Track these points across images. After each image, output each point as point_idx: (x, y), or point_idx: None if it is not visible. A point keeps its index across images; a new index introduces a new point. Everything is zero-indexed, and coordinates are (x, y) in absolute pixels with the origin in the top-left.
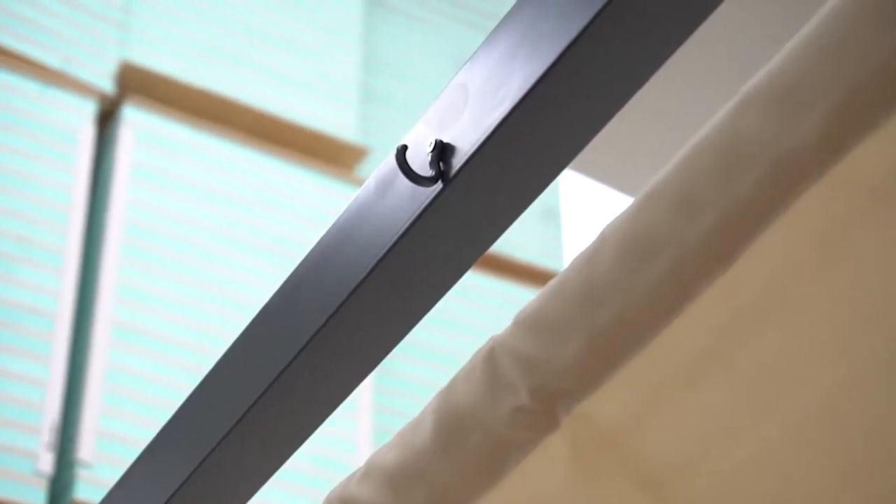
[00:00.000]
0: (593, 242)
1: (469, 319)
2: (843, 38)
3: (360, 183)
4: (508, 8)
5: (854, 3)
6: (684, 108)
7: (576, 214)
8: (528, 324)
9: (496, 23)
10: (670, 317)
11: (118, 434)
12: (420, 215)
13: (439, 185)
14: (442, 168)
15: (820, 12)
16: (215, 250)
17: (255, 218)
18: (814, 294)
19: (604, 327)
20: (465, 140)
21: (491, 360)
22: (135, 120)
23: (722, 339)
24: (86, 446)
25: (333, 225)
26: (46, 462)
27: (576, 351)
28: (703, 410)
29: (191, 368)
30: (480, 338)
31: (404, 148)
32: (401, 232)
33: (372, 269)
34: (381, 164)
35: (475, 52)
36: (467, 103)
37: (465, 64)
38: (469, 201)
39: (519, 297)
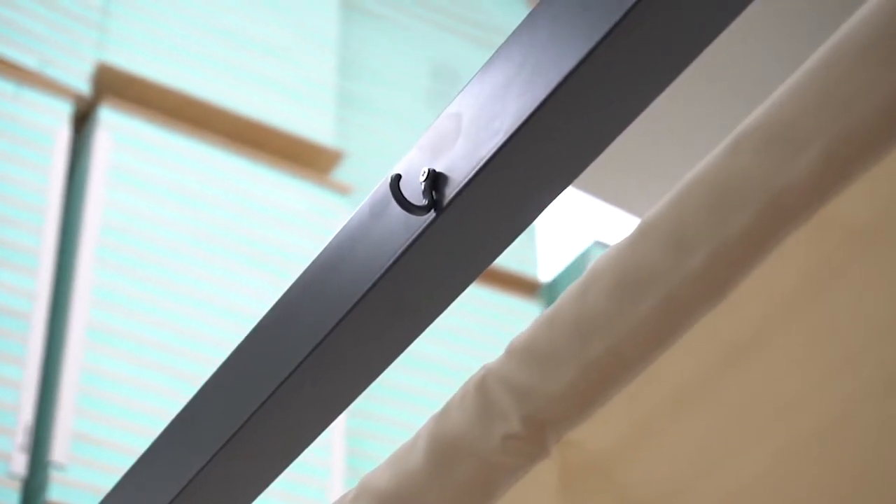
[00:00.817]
0: (586, 276)
1: (443, 323)
2: (837, 81)
3: (336, 187)
4: (484, 12)
5: (847, 46)
6: (664, 121)
7: (549, 218)
8: (521, 353)
9: (471, 27)
10: (661, 349)
11: (92, 436)
12: (412, 243)
13: (432, 214)
14: (435, 197)
15: (814, 55)
16: (191, 253)
17: (230, 221)
18: (801, 328)
19: (596, 358)
20: (459, 170)
21: (483, 388)
22: (111, 122)
23: (712, 371)
24: (60, 448)
25: (326, 248)
26: (20, 463)
27: (568, 380)
28: (693, 440)
29: (166, 371)
30: (455, 341)
31: (398, 177)
32: (393, 259)
33: (364, 295)
34: (374, 191)
35: (470, 80)
36: (460, 133)
37: (459, 92)
38: (461, 230)
39: (493, 302)
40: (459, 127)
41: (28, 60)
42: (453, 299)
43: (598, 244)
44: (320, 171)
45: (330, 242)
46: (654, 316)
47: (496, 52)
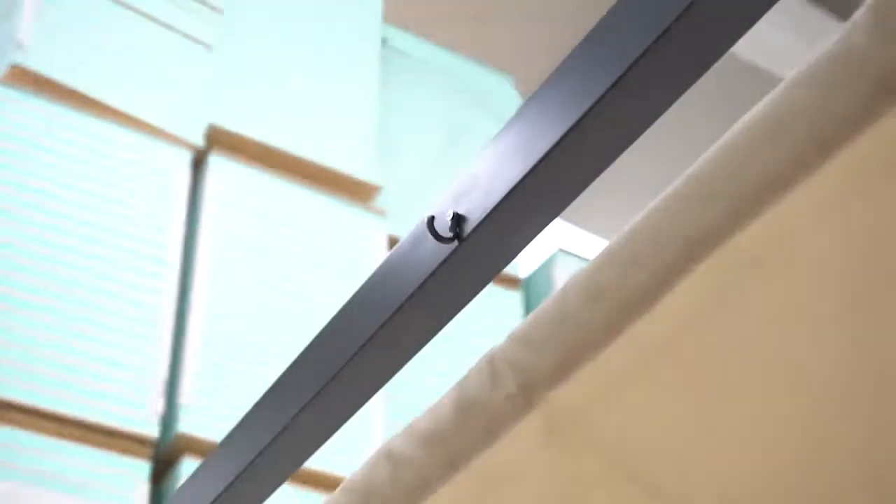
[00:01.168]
0: (565, 283)
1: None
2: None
3: (374, 211)
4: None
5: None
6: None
7: None
8: (518, 339)
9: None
10: (615, 336)
11: (210, 386)
12: (441, 264)
13: (455, 244)
14: (458, 232)
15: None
16: (284, 270)
17: (302, 236)
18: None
19: (570, 343)
20: (475, 212)
21: (491, 363)
22: (218, 166)
23: (676, 335)
24: (186, 393)
25: (381, 266)
26: (160, 404)
27: (550, 359)
28: (651, 400)
29: (273, 349)
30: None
31: (432, 217)
32: (428, 274)
33: (406, 300)
34: (415, 227)
35: (484, 148)
36: (476, 186)
37: (477, 157)
38: (476, 255)
39: (486, 292)
40: (476, 182)
41: (160, 121)
42: (469, 302)
43: (562, 251)
44: (364, 199)
45: (383, 262)
46: (610, 316)
47: (502, 129)
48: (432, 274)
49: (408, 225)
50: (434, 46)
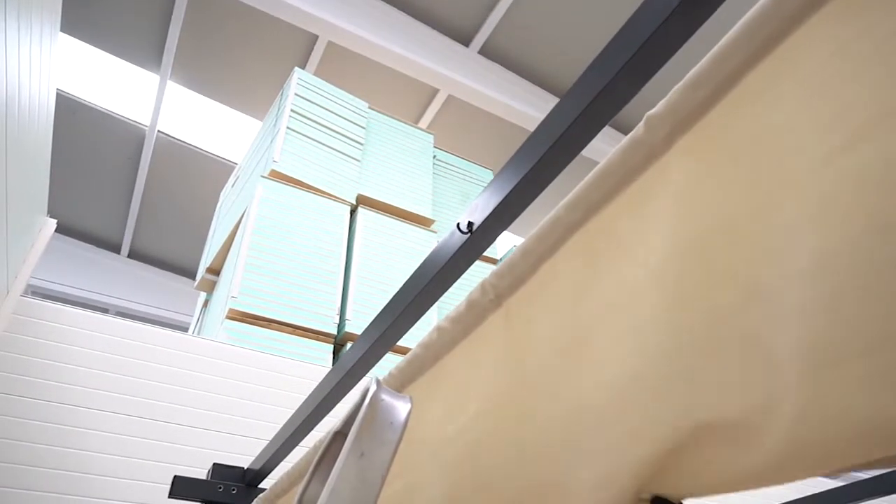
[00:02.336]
0: (511, 251)
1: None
2: None
3: (432, 231)
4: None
5: None
6: None
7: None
8: (495, 273)
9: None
10: (534, 272)
11: (358, 312)
12: (462, 245)
13: (469, 235)
14: (470, 229)
15: None
16: (388, 261)
17: (402, 249)
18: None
19: (522, 270)
20: (478, 219)
21: (483, 284)
22: (363, 215)
23: (581, 270)
24: (350, 314)
25: (435, 247)
26: (336, 318)
27: (507, 282)
28: (552, 310)
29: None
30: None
31: (459, 223)
32: (456, 249)
33: (447, 261)
34: (451, 230)
35: (481, 192)
36: (478, 210)
37: (477, 197)
38: (477, 241)
39: (477, 267)
40: (477, 207)
41: (337, 192)
42: (472, 263)
43: (515, 245)
44: (427, 225)
45: (438, 244)
46: (542, 253)
47: (486, 186)
48: (458, 249)
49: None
50: (454, 156)
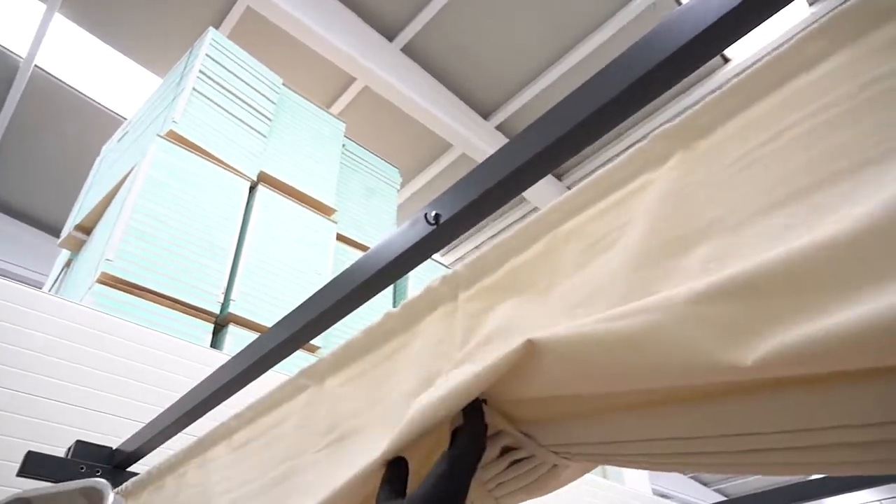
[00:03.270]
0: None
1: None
2: None
3: (332, 221)
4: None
5: None
6: None
7: None
8: (460, 268)
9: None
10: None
11: (244, 293)
12: (427, 235)
13: (435, 226)
14: (437, 220)
15: None
16: (284, 242)
17: (296, 233)
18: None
19: (468, 275)
20: (445, 214)
21: (445, 275)
22: (261, 195)
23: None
24: (236, 293)
25: (391, 235)
26: (221, 296)
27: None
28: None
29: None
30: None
31: (426, 213)
32: (419, 239)
33: (405, 251)
34: (414, 216)
35: (447, 190)
36: (444, 204)
37: (442, 194)
38: (444, 232)
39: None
40: (444, 203)
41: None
42: (436, 252)
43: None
44: (328, 213)
45: (393, 232)
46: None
47: (453, 185)
48: (422, 239)
49: (344, 227)
50: (363, 149)
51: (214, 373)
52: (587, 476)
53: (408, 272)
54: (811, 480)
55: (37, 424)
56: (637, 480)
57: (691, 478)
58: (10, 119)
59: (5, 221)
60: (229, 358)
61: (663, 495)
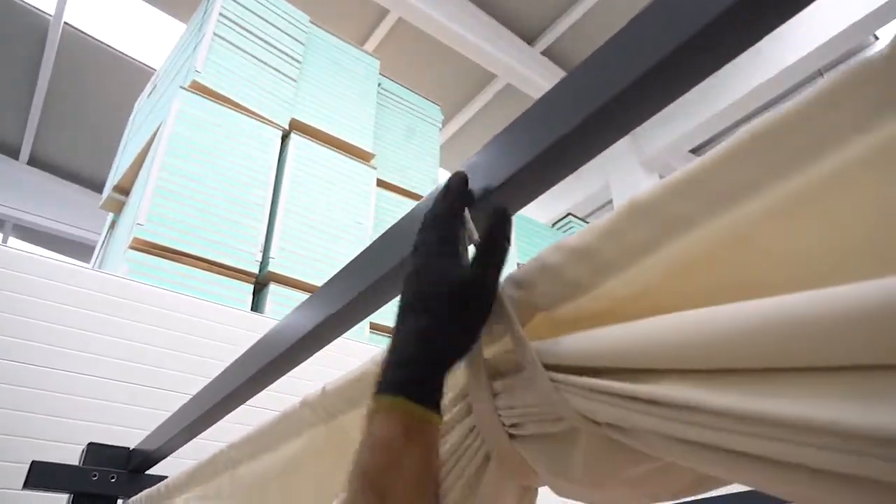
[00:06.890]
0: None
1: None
2: None
3: (371, 166)
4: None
5: None
6: None
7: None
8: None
9: None
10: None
11: (286, 248)
12: None
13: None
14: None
15: None
16: (321, 194)
17: (333, 179)
18: None
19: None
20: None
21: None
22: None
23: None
24: (275, 251)
25: (416, 206)
26: (259, 255)
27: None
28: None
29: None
30: None
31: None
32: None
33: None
34: (433, 189)
35: (474, 154)
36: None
37: (470, 157)
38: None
39: None
40: (474, 167)
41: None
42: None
43: None
44: (366, 159)
45: (417, 204)
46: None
47: (481, 149)
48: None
49: (384, 173)
50: (400, 86)
51: (244, 354)
52: None
53: None
54: None
55: (96, 406)
56: None
57: None
58: (49, 80)
59: (55, 182)
60: (274, 322)
61: None
